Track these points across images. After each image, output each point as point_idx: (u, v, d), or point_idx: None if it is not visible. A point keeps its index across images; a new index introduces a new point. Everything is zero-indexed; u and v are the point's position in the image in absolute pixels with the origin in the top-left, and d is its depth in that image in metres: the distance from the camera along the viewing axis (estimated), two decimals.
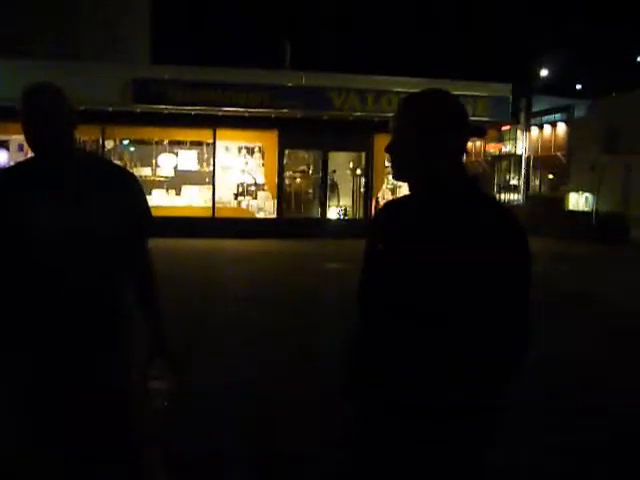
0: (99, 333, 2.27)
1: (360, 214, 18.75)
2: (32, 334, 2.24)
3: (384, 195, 18.66)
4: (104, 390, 2.27)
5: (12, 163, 17.35)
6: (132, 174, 2.46)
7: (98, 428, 2.26)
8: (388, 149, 1.89)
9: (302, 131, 17.31)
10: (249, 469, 3.74)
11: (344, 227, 18.06)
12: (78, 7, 22.02)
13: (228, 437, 4.08)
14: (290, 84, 17.47)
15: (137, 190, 2.39)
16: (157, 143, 17.61)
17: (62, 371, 2.24)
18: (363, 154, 18.56)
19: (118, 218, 2.25)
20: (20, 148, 17.45)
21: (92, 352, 2.26)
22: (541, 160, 29.80)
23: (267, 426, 4.28)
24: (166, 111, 16.64)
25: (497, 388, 1.81)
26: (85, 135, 17.08)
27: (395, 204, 2.06)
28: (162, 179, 17.52)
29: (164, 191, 17.40)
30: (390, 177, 18.72)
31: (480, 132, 18.57)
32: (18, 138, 17.16)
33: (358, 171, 18.96)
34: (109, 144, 17.51)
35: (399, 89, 17.39)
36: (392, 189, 18.82)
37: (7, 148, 17.38)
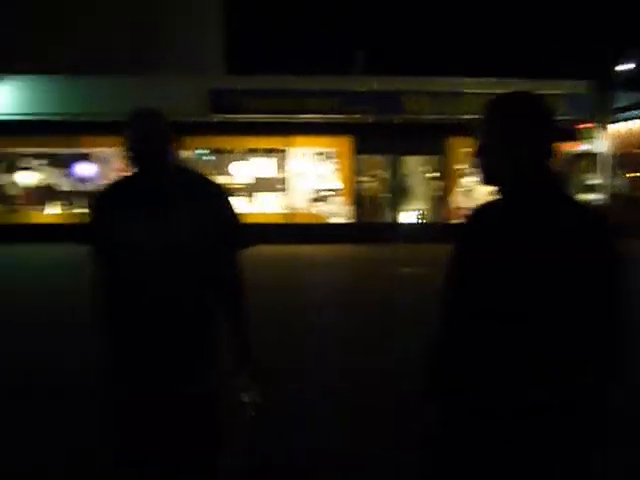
0: (193, 344, 2.36)
1: (434, 218, 18.56)
2: (128, 349, 2.36)
3: (458, 199, 18.43)
4: (197, 400, 2.35)
5: (99, 176, 18.17)
6: (221, 187, 2.55)
7: (189, 438, 2.34)
8: (476, 153, 1.91)
9: (375, 136, 17.34)
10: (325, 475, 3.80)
11: (418, 231, 17.95)
12: (158, 23, 22.83)
13: (306, 442, 4.15)
14: (362, 89, 17.54)
15: (226, 203, 2.49)
16: (232, 152, 18.02)
17: (158, 381, 2.34)
18: (437, 157, 18.39)
19: (209, 231, 2.36)
20: (104, 161, 18.24)
21: (187, 362, 2.35)
22: (621, 158, 28.62)
23: (345, 430, 4.33)
24: (241, 120, 17.03)
25: (584, 389, 1.77)
26: None
27: (482, 209, 2.06)
28: (237, 187, 17.88)
29: (239, 198, 17.76)
30: (464, 180, 18.49)
31: (569, 136, 18.13)
32: (102, 151, 18.00)
33: (432, 175, 18.78)
34: (186, 154, 18.03)
35: (473, 90, 17.17)
36: (466, 192, 18.54)
37: (91, 160, 18.13)
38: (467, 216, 2.10)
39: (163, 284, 2.31)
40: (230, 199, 2.51)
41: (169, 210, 2.34)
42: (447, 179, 18.28)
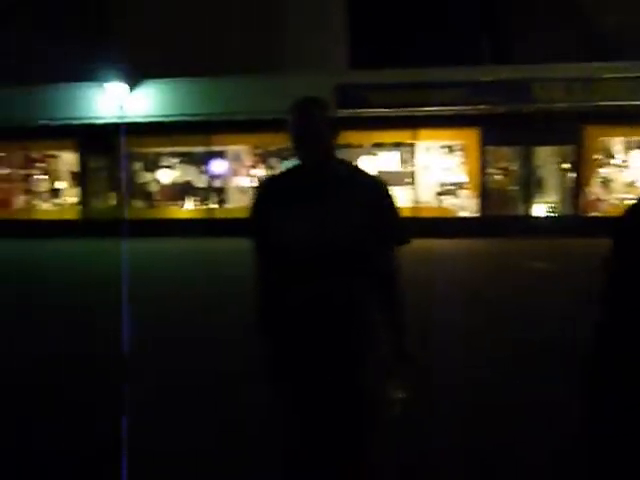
0: (348, 340, 2.34)
1: (568, 211, 17.74)
2: (286, 346, 2.39)
3: (594, 190, 17.51)
4: (358, 393, 2.35)
5: (232, 173, 18.88)
6: (382, 181, 2.47)
7: (348, 430, 2.35)
8: None
9: (504, 127, 16.81)
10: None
11: (550, 225, 17.24)
12: (286, 22, 23.35)
13: (440, 437, 4.10)
14: (490, 79, 17.05)
15: (388, 197, 2.42)
16: (359, 146, 18.11)
17: (316, 377, 2.36)
18: (571, 147, 17.54)
19: (369, 226, 2.32)
20: (235, 158, 18.95)
21: (342, 358, 2.35)
22: None
23: (479, 427, 4.25)
24: (367, 114, 17.09)
25: None
26: None
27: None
28: None
29: None
30: (601, 170, 17.52)
31: None
32: (235, 148, 18.71)
33: (566, 165, 17.94)
34: None
35: (610, 75, 16.26)
36: (603, 183, 17.59)
37: (225, 158, 18.90)
38: (626, 210, 2.00)
39: (319, 279, 2.30)
40: (392, 195, 2.45)
41: (330, 205, 2.31)
42: (583, 170, 17.38)
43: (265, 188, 2.50)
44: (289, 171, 2.46)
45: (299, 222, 2.30)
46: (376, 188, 2.43)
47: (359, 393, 2.35)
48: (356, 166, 2.50)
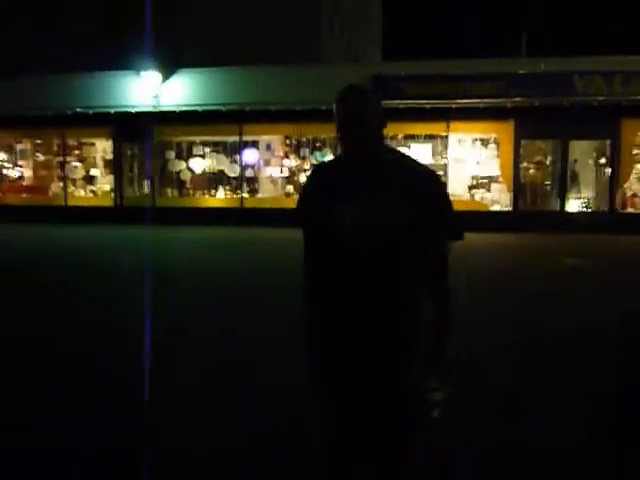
0: (399, 334, 2.29)
1: (603, 207, 17.43)
2: (329, 336, 2.35)
3: (631, 186, 17.17)
4: (400, 389, 2.30)
5: (264, 163, 18.97)
6: (434, 174, 2.37)
7: (388, 428, 2.31)
8: None
9: (540, 120, 16.55)
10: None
11: (585, 221, 16.96)
12: (320, 14, 23.32)
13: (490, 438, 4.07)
14: (526, 71, 16.79)
15: (440, 189, 2.34)
16: (392, 138, 18.00)
17: (357, 372, 2.31)
18: (608, 142, 17.21)
19: (419, 218, 2.23)
20: (267, 148, 19.01)
21: (384, 355, 2.29)
22: None
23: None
24: (401, 106, 16.96)
25: None
26: (325, 133, 18.12)
27: None
28: None
29: None
30: (639, 166, 17.17)
31: None
32: (268, 138, 18.76)
33: (602, 160, 17.61)
34: None
35: None
36: None
37: (257, 147, 18.96)
38: None
39: (365, 271, 2.26)
40: (444, 186, 2.38)
41: (376, 191, 2.27)
42: (620, 165, 17.04)
43: (315, 174, 2.48)
44: (338, 158, 2.44)
45: (344, 207, 2.27)
46: (426, 176, 2.34)
47: (403, 390, 2.30)
48: (406, 155, 2.41)
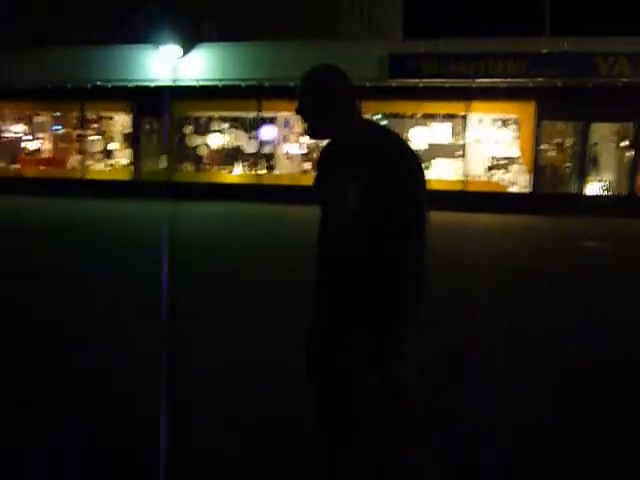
0: (353, 314, 2.21)
1: (624, 190, 17.23)
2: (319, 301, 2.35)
3: None
4: (342, 374, 2.24)
5: (281, 139, 18.95)
6: (386, 145, 2.17)
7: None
8: None
9: (562, 101, 16.31)
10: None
11: (604, 204, 16.78)
12: None
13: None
14: (549, 50, 16.49)
15: (382, 167, 2.10)
16: (411, 117, 17.86)
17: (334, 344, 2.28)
18: (630, 124, 16.95)
19: (361, 207, 2.12)
20: (285, 124, 18.94)
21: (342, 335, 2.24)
22: None
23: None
24: (421, 84, 16.81)
25: None
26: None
27: None
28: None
29: None
30: None
31: None
32: (285, 115, 18.67)
33: (624, 143, 17.37)
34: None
35: None
36: None
37: (275, 124, 18.88)
38: None
39: (331, 255, 2.26)
40: (397, 161, 2.12)
41: (336, 176, 2.24)
42: None
43: (320, 153, 2.48)
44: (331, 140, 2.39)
45: (322, 190, 2.32)
46: (374, 148, 2.15)
47: (344, 375, 2.23)
48: (376, 128, 2.30)
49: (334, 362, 2.25)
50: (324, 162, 2.39)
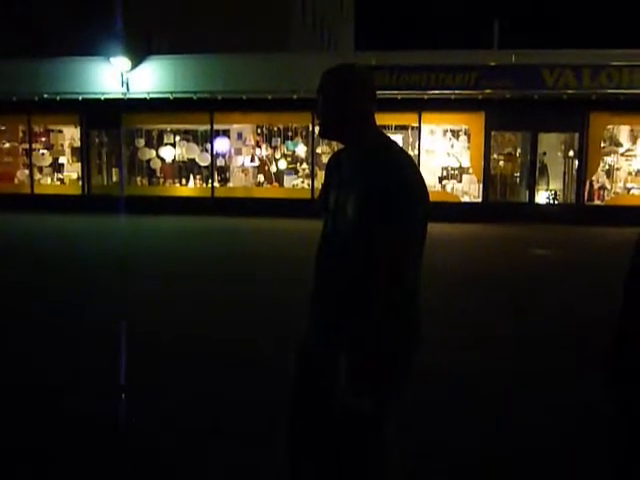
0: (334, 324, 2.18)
1: (571, 199, 17.66)
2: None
3: (599, 178, 17.42)
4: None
5: (235, 152, 18.86)
6: (386, 165, 2.07)
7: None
8: None
9: (510, 112, 16.69)
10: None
11: (553, 212, 17.20)
12: (291, 5, 23.18)
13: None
14: (497, 63, 16.86)
15: (378, 188, 2.01)
16: None
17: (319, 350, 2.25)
18: (576, 134, 17.41)
19: (364, 216, 2.04)
20: (239, 137, 18.88)
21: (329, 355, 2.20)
22: None
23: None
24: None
25: None
26: (297, 122, 18.08)
27: None
28: None
29: None
30: (607, 159, 17.42)
31: None
32: (237, 127, 18.60)
33: (570, 153, 17.82)
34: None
35: (619, 62, 16.08)
36: (607, 172, 17.51)
37: (228, 136, 18.78)
38: None
39: (326, 254, 2.23)
40: (394, 183, 2.03)
41: (343, 186, 2.17)
42: (588, 158, 17.25)
43: (328, 161, 2.43)
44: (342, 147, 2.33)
45: (328, 201, 2.25)
46: (373, 169, 2.06)
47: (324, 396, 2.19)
48: (385, 143, 2.18)
49: (320, 382, 2.19)
50: (332, 171, 2.30)
